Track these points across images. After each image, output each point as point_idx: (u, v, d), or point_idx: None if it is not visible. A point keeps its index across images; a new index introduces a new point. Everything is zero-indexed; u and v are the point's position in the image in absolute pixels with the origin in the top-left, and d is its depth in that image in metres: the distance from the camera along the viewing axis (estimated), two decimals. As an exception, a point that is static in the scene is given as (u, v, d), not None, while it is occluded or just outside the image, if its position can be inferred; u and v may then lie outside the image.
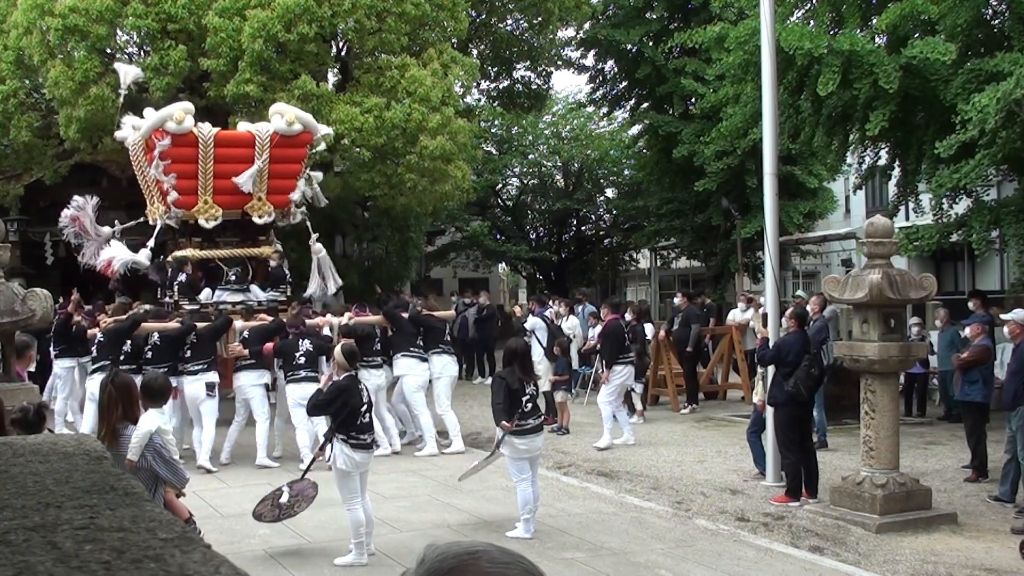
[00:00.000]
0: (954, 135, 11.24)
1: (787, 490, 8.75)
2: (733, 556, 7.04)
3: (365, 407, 7.04)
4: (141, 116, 16.09)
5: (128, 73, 13.40)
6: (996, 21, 12.94)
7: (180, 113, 12.22)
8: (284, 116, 12.75)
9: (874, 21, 13.03)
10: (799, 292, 14.99)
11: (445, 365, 11.43)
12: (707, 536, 7.64)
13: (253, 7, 15.02)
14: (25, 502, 1.36)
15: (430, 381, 11.43)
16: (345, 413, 6.92)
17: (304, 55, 15.61)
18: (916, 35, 12.39)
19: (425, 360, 11.33)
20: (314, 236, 13.46)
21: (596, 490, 9.32)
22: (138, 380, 9.77)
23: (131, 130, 12.64)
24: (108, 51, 16.54)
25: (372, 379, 10.96)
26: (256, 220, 12.93)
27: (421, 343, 11.37)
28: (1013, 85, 10.34)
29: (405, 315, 11.73)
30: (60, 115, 15.91)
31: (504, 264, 35.42)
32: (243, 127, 13.30)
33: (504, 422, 7.47)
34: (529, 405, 7.59)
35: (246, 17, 14.97)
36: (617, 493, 9.15)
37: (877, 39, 12.96)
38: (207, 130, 12.50)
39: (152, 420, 5.48)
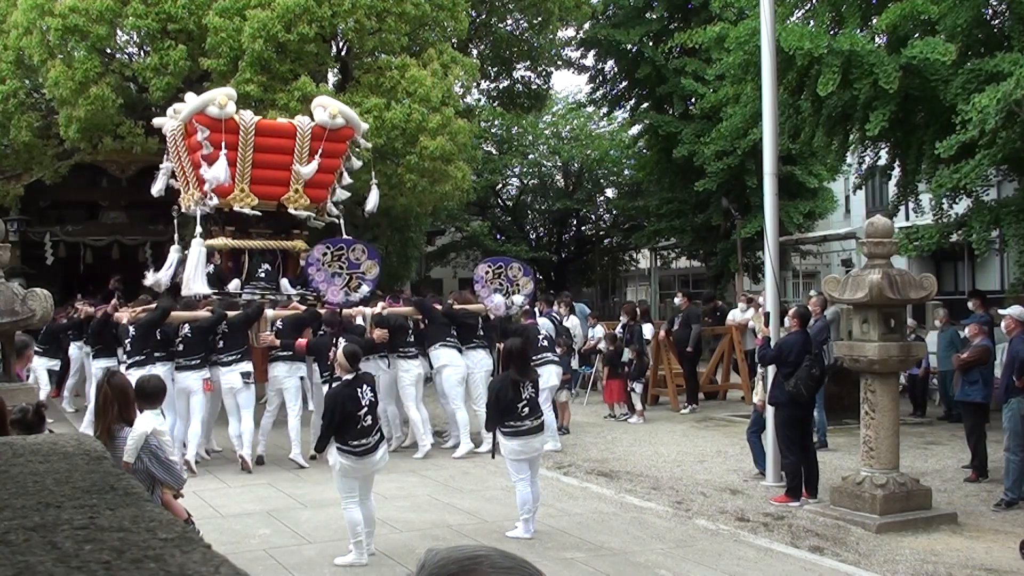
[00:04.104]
0: (954, 135, 11.24)
1: (787, 490, 8.75)
2: (733, 556, 7.04)
3: (364, 411, 6.90)
4: (140, 118, 16.04)
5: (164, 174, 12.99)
6: (996, 21, 12.94)
7: (223, 98, 11.98)
8: (327, 109, 12.55)
9: (874, 21, 13.04)
10: (812, 292, 14.97)
11: (480, 360, 11.31)
12: (707, 536, 7.64)
13: (253, 7, 15.02)
14: (25, 502, 1.36)
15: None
16: (339, 420, 6.83)
17: (304, 55, 15.60)
18: (916, 35, 12.39)
19: (462, 351, 11.22)
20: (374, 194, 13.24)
21: (596, 490, 9.32)
22: (168, 371, 9.80)
23: (172, 114, 12.41)
24: (108, 51, 16.54)
25: (412, 368, 10.97)
26: (292, 211, 12.67)
27: (455, 333, 11.27)
28: (1013, 85, 10.34)
29: (438, 307, 11.63)
30: (60, 115, 15.90)
31: (504, 264, 35.37)
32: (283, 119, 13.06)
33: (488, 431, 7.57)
34: (527, 409, 7.56)
35: (246, 17, 14.96)
36: (617, 493, 9.15)
37: (877, 39, 12.97)
38: (248, 118, 12.28)
39: (148, 422, 5.46)
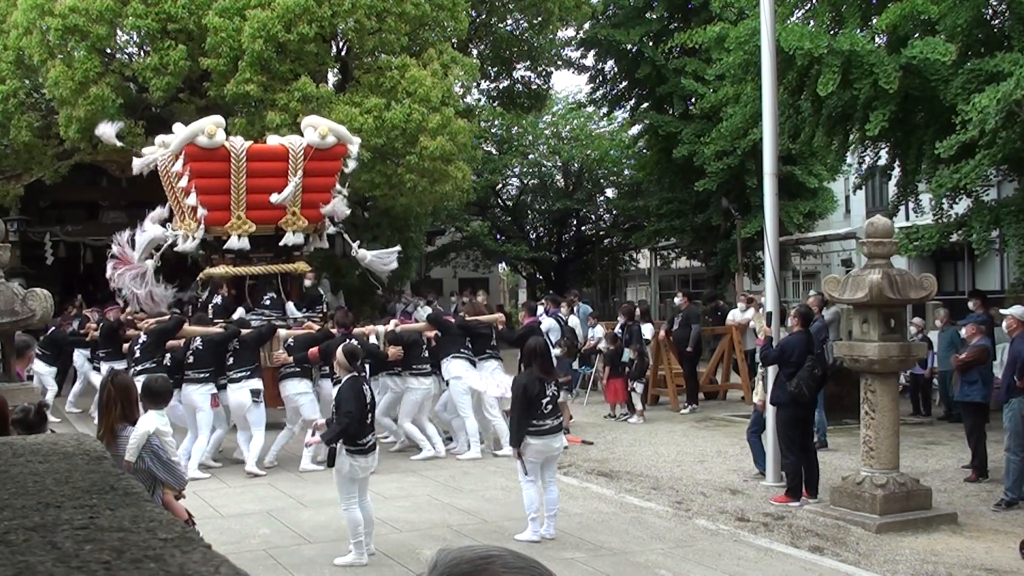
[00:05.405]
0: (954, 135, 11.24)
1: (787, 490, 8.75)
2: (733, 556, 7.04)
3: (369, 407, 7.00)
4: (140, 118, 16.01)
5: (110, 132, 13.00)
6: (996, 21, 12.95)
7: (211, 127, 11.84)
8: (317, 129, 12.41)
9: (874, 21, 13.04)
10: (811, 292, 14.97)
11: (493, 370, 11.13)
12: (707, 536, 7.64)
13: (253, 7, 15.04)
14: (25, 502, 1.36)
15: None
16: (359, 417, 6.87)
17: (304, 55, 15.62)
18: (916, 35, 12.39)
19: (475, 363, 11.08)
20: (355, 244, 13.19)
21: (596, 490, 9.32)
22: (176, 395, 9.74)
23: (160, 144, 12.29)
24: (108, 51, 16.55)
25: (421, 387, 10.84)
26: (290, 235, 12.46)
27: (470, 344, 11.14)
28: (1013, 85, 10.34)
29: (451, 319, 11.56)
30: (60, 115, 15.93)
31: (504, 264, 35.44)
32: (273, 140, 12.93)
33: (513, 446, 7.57)
34: (550, 406, 7.55)
35: (246, 17, 14.99)
36: (617, 493, 9.15)
37: (877, 39, 12.97)
38: (239, 144, 12.12)
39: (151, 421, 5.46)
